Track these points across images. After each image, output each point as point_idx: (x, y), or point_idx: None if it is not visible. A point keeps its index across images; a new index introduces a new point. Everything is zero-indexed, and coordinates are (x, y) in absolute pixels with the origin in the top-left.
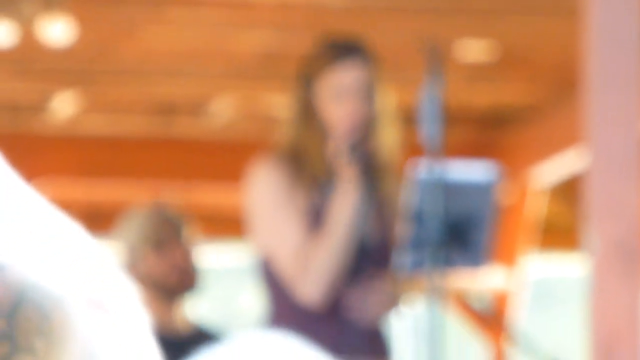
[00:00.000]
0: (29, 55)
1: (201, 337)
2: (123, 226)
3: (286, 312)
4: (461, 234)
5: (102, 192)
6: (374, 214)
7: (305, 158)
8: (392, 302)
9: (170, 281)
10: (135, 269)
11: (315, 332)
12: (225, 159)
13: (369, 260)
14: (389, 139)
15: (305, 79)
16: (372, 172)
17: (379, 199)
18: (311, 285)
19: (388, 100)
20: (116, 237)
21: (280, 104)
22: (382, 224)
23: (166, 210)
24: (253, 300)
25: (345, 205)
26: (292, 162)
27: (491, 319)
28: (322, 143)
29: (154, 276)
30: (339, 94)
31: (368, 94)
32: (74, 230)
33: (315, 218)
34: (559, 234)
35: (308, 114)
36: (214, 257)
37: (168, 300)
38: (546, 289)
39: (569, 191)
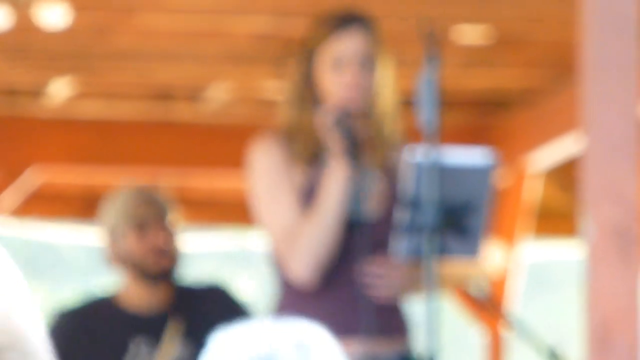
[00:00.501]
0: (24, 40)
1: (181, 307)
2: (106, 206)
3: (294, 293)
4: (458, 221)
5: (98, 177)
6: (376, 190)
7: (302, 133)
8: (411, 280)
9: (148, 262)
10: (115, 248)
11: (325, 312)
12: (223, 143)
13: (369, 237)
14: (389, 112)
15: (306, 51)
16: (372, 146)
17: (380, 174)
18: (299, 262)
19: (389, 73)
20: (99, 216)
21: (277, 89)
22: (386, 200)
23: (151, 192)
24: (250, 284)
25: (333, 181)
26: (289, 139)
27: (487, 305)
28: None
29: (133, 256)
30: (338, 63)
31: (368, 64)
32: None
33: (310, 195)
34: (556, 218)
35: (307, 88)
36: (209, 242)
37: (146, 281)
38: (543, 274)
39: (565, 175)
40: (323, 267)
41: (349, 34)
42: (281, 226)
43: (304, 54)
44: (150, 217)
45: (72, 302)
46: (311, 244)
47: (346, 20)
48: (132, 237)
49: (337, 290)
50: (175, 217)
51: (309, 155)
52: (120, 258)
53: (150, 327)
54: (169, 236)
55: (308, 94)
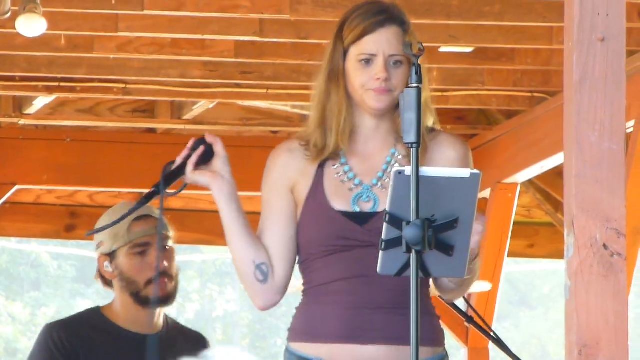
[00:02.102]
0: (4, 52)
1: (170, 336)
2: (103, 224)
3: (312, 294)
4: (445, 239)
5: (82, 194)
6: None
7: (331, 129)
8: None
9: (140, 287)
10: (110, 263)
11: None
12: None
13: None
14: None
15: (339, 45)
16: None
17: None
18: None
19: (421, 72)
20: (96, 234)
21: (262, 104)
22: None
23: (149, 212)
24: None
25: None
26: (314, 138)
27: (468, 319)
28: (346, 115)
29: (127, 273)
30: (369, 59)
31: (399, 62)
32: None
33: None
34: (539, 234)
35: (338, 83)
36: (195, 259)
37: (138, 299)
38: (522, 289)
39: (546, 189)
40: (254, 287)
41: (383, 31)
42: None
43: (336, 49)
44: (152, 237)
45: (62, 315)
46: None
47: (380, 16)
48: (133, 259)
49: (353, 293)
50: (172, 237)
51: (331, 152)
52: (114, 274)
53: (138, 344)
54: (170, 258)
55: (339, 89)
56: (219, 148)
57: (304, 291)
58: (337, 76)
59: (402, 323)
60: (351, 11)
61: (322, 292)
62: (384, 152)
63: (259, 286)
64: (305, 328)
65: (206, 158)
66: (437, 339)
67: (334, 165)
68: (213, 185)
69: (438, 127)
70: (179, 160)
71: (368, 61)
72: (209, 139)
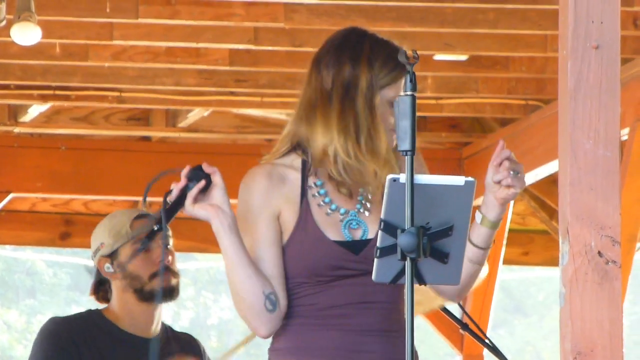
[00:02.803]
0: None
1: (168, 340)
2: (104, 226)
3: (300, 311)
4: (440, 247)
5: (77, 201)
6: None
7: (353, 164)
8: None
9: (144, 281)
10: (110, 264)
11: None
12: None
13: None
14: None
15: (371, 81)
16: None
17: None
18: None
19: None
20: (95, 236)
21: (254, 111)
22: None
23: (149, 213)
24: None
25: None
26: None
27: (463, 326)
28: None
29: (130, 269)
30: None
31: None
32: None
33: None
34: (531, 240)
35: (369, 118)
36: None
37: (142, 294)
38: (516, 296)
39: (541, 197)
40: (246, 313)
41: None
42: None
43: (371, 83)
44: (149, 237)
45: (63, 315)
46: (236, 303)
47: (405, 62)
48: (135, 255)
49: (349, 315)
50: (172, 239)
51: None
52: (117, 274)
53: (138, 347)
54: (172, 255)
55: (378, 124)
56: (217, 179)
57: (290, 313)
58: (376, 112)
59: (395, 347)
60: (378, 45)
61: (320, 315)
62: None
63: (268, 316)
64: (294, 348)
65: (203, 187)
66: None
67: (314, 195)
68: (214, 220)
69: None
70: (176, 192)
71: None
72: (207, 169)
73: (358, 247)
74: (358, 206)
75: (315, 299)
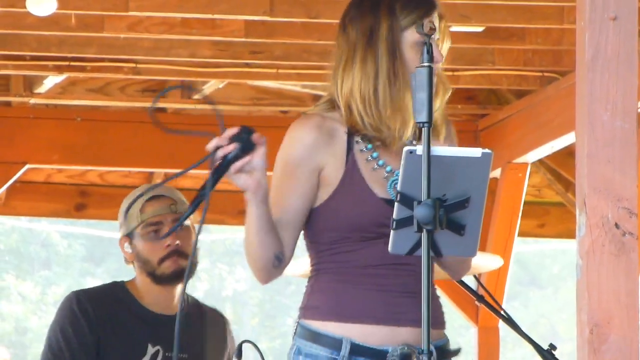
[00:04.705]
0: (14, 32)
1: (190, 317)
2: (123, 206)
3: (332, 276)
4: (456, 218)
5: (92, 173)
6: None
7: (384, 107)
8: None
9: (154, 266)
10: (129, 244)
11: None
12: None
13: None
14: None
15: (391, 26)
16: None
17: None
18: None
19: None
20: (120, 209)
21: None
22: None
23: (166, 192)
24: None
25: (248, 215)
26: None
27: (479, 298)
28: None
29: (142, 253)
30: (421, 43)
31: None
32: None
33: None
34: (546, 212)
35: (394, 63)
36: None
37: (155, 278)
38: (531, 268)
39: (557, 169)
40: (261, 271)
41: (435, 14)
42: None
43: (392, 28)
44: (167, 217)
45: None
46: (245, 251)
47: (429, 3)
48: (147, 239)
49: (380, 276)
50: (191, 218)
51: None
52: (133, 255)
53: (158, 324)
54: (186, 237)
55: (404, 70)
56: (263, 150)
57: (325, 268)
58: (402, 58)
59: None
60: None
61: (357, 273)
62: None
63: (272, 270)
64: (334, 307)
65: (245, 149)
66: (444, 322)
67: (361, 150)
68: (250, 192)
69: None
70: (220, 153)
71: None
72: (257, 139)
73: None
74: None
75: (352, 257)
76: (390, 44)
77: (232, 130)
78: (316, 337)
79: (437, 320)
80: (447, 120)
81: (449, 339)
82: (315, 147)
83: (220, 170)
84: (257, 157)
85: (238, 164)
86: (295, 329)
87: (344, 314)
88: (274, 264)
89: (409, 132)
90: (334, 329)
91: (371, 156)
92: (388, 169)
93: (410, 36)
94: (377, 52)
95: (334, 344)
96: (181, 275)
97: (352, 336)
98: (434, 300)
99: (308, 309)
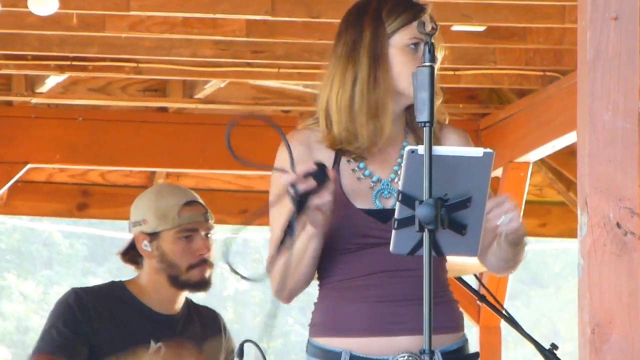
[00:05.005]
0: (16, 31)
1: (190, 317)
2: (145, 203)
3: (333, 284)
4: (458, 218)
5: (94, 172)
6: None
7: (368, 115)
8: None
9: (181, 271)
10: (149, 242)
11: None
12: (219, 136)
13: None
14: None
15: (376, 32)
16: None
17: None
18: (273, 284)
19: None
20: (145, 205)
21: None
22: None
23: (197, 196)
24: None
25: (303, 237)
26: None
27: (480, 298)
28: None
29: (169, 255)
30: (413, 47)
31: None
32: None
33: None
34: (548, 211)
35: (379, 69)
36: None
37: (176, 282)
38: (533, 268)
39: (558, 168)
40: (292, 294)
41: (424, 16)
42: (274, 238)
43: (377, 34)
44: (201, 225)
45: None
46: (279, 275)
47: (418, 6)
48: (179, 243)
49: (379, 285)
50: (212, 221)
51: (361, 143)
52: (153, 254)
53: (159, 323)
54: (210, 244)
55: (388, 77)
56: (332, 186)
57: (321, 285)
58: (384, 63)
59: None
60: None
61: (346, 287)
62: (396, 145)
63: (300, 291)
64: (330, 323)
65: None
66: (459, 325)
67: (348, 161)
68: (317, 227)
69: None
70: (303, 189)
71: (417, 45)
72: (330, 174)
73: (386, 216)
74: (392, 175)
75: (338, 270)
76: (372, 50)
77: (306, 167)
78: (320, 353)
79: (448, 324)
80: (459, 130)
81: (467, 341)
82: (301, 160)
83: (302, 201)
84: (328, 195)
85: (318, 202)
86: (307, 347)
87: (340, 328)
88: (304, 287)
89: (383, 137)
90: (335, 344)
91: (358, 167)
92: (375, 178)
93: (400, 40)
94: (358, 59)
95: (334, 357)
96: (204, 284)
97: (351, 349)
98: (448, 304)
99: (312, 327)
